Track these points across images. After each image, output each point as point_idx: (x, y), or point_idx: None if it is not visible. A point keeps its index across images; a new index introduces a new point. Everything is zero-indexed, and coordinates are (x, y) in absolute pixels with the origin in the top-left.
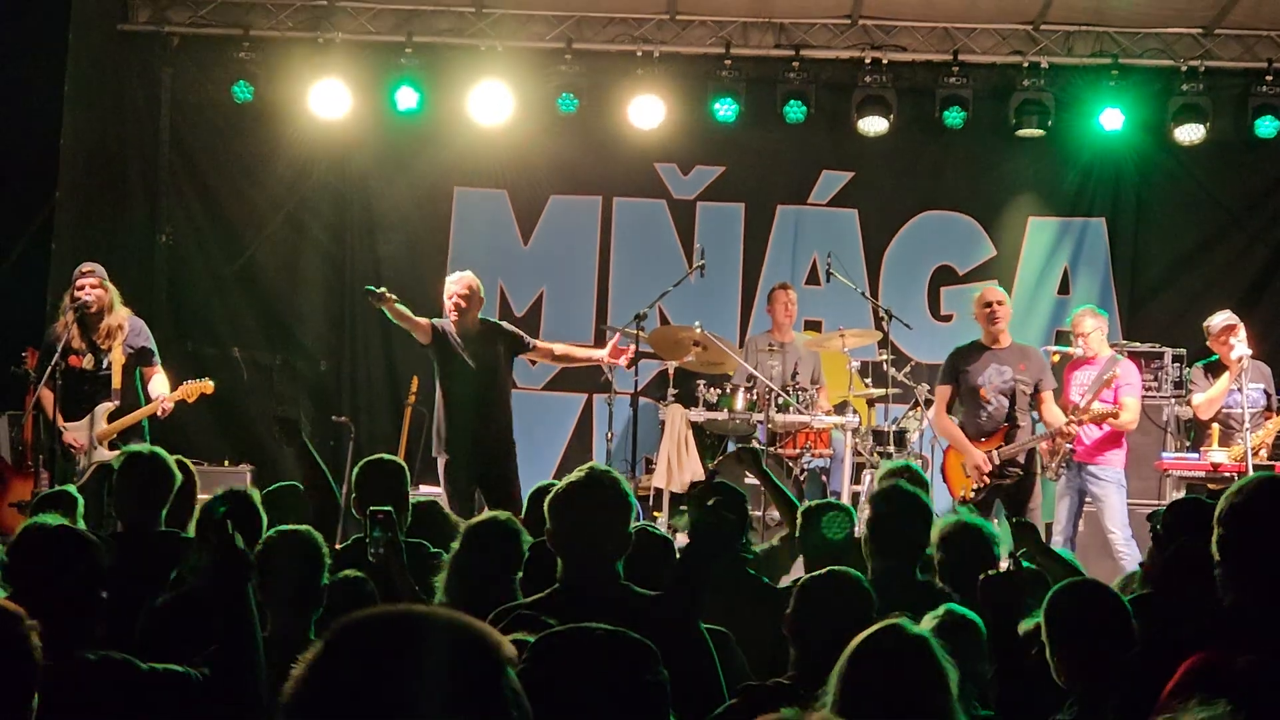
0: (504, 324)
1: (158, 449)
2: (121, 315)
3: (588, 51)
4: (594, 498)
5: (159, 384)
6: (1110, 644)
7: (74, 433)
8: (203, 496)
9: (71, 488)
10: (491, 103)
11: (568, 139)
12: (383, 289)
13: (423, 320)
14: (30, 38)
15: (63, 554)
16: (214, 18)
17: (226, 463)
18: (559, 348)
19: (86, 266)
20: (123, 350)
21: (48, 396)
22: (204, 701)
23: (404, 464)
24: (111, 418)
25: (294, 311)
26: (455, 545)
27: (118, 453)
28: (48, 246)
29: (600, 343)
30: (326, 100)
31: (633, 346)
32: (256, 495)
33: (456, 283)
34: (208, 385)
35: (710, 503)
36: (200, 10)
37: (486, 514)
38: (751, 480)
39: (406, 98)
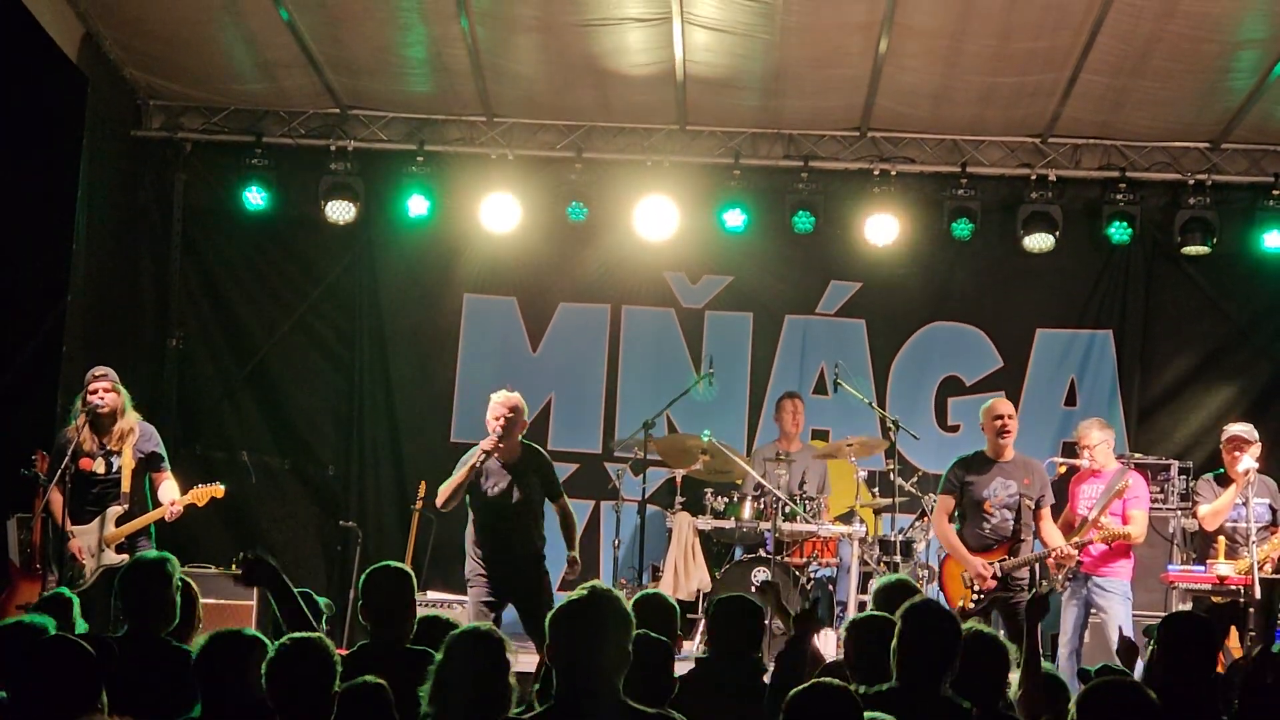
0: (545, 458)
1: (167, 554)
2: (132, 420)
3: (598, 160)
4: (595, 615)
5: (168, 489)
6: None
7: (82, 536)
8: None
9: (65, 589)
10: (501, 210)
11: (577, 247)
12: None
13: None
14: (45, 142)
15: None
16: (227, 124)
17: (234, 566)
18: (563, 524)
19: (99, 370)
20: (133, 454)
21: (57, 499)
22: None
23: (410, 571)
24: (120, 521)
25: (303, 416)
26: (439, 655)
27: (124, 556)
28: (59, 349)
29: (605, 450)
30: (338, 207)
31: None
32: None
33: (502, 404)
34: (218, 489)
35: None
36: (213, 117)
37: (469, 625)
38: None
39: (418, 205)
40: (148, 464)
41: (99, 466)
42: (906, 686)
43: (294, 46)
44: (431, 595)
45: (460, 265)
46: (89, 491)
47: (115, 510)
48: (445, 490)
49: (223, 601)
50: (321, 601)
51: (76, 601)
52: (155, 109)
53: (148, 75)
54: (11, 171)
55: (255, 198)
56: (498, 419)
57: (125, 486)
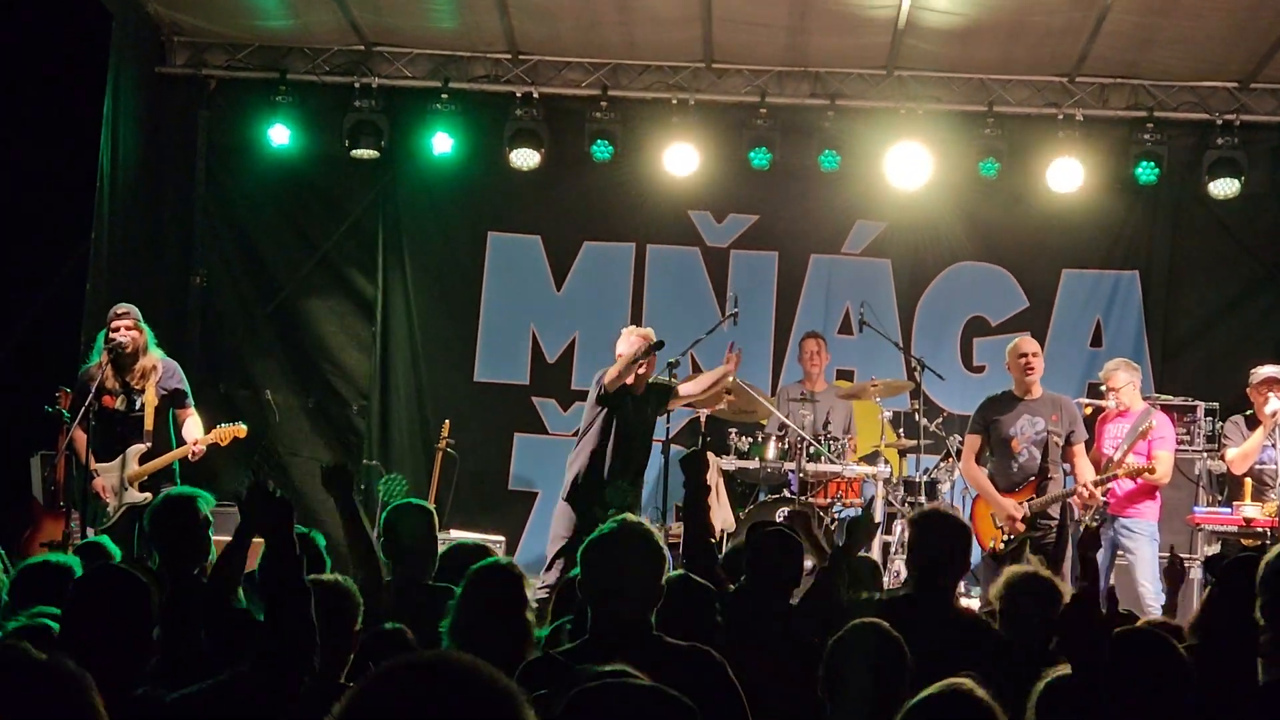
0: (659, 381)
1: (199, 491)
2: (155, 357)
3: (623, 99)
4: (625, 549)
5: (192, 427)
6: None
7: (105, 474)
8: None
9: (105, 539)
10: (527, 148)
11: (602, 185)
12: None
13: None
14: (69, 80)
15: (120, 595)
16: (251, 61)
17: (250, 487)
18: (686, 388)
19: (122, 308)
20: (156, 392)
21: (80, 437)
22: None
23: (433, 509)
24: (143, 460)
25: (327, 354)
26: (458, 590)
27: (148, 495)
28: (82, 287)
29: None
30: (363, 144)
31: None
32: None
33: (645, 336)
34: (240, 429)
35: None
36: (237, 54)
37: (488, 559)
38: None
39: (442, 142)
40: (171, 400)
41: (121, 404)
42: (921, 593)
43: None
44: (454, 534)
45: (484, 203)
46: (112, 429)
47: (138, 448)
48: (616, 370)
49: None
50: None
51: (117, 552)
52: (179, 46)
53: (172, 11)
54: (36, 109)
55: (279, 135)
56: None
57: (148, 424)
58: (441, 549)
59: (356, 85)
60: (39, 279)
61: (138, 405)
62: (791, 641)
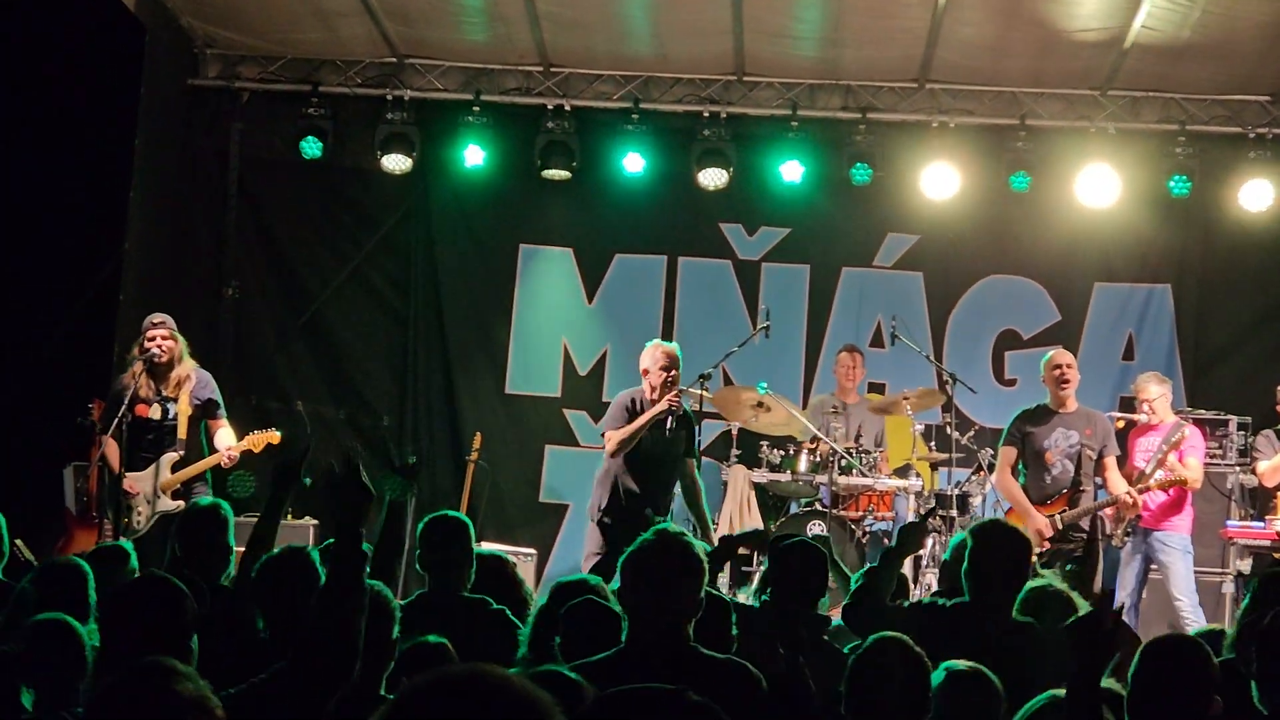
0: (693, 421)
1: (220, 500)
2: (189, 366)
3: (655, 111)
4: (664, 560)
5: (224, 437)
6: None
7: (137, 483)
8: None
9: (126, 542)
10: (560, 161)
11: (633, 197)
12: None
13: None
14: (102, 91)
15: (159, 604)
16: (283, 74)
17: (289, 517)
18: (689, 492)
19: (157, 318)
20: (190, 401)
21: (113, 446)
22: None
23: (467, 519)
24: (176, 468)
25: (358, 366)
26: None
27: (180, 503)
28: (115, 299)
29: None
30: (394, 157)
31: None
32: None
33: (668, 354)
34: (274, 435)
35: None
36: (270, 66)
37: (575, 574)
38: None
39: (474, 155)
40: (204, 411)
41: (155, 413)
42: (977, 603)
43: None
44: (486, 546)
45: (516, 216)
46: (144, 438)
47: (171, 456)
48: (620, 438)
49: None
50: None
51: (133, 552)
52: (212, 58)
53: (205, 24)
54: (69, 121)
55: (312, 147)
56: (668, 370)
57: (181, 433)
58: None
59: (388, 98)
60: (72, 291)
61: (171, 414)
62: (824, 653)
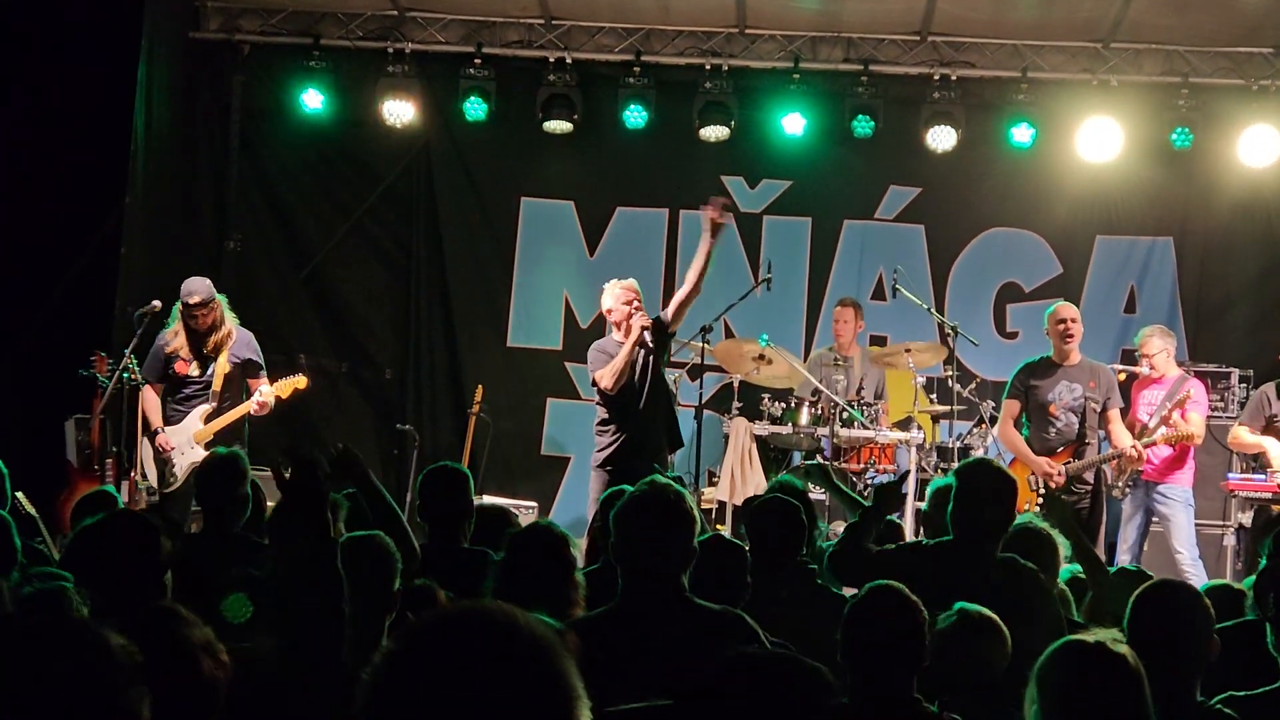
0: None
1: (237, 450)
2: (230, 325)
3: (656, 64)
4: (657, 512)
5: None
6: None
7: (172, 435)
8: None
9: (110, 488)
10: (560, 114)
11: (635, 150)
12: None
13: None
14: (103, 46)
15: (125, 538)
16: (284, 26)
17: (284, 468)
18: (677, 296)
19: (194, 297)
20: (228, 359)
21: (153, 401)
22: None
23: (467, 471)
24: (209, 420)
25: (360, 319)
26: (499, 554)
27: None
28: (117, 252)
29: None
30: (395, 109)
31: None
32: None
33: (628, 289)
34: (300, 381)
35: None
36: (271, 19)
37: (531, 522)
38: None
39: (475, 108)
40: (244, 370)
41: (194, 370)
42: (962, 542)
43: None
44: (488, 499)
45: (517, 169)
46: (180, 392)
47: (203, 408)
48: (613, 369)
49: None
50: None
51: (120, 500)
52: (213, 11)
53: None
54: (70, 74)
55: (313, 100)
56: (630, 304)
57: (216, 386)
58: None
59: (390, 50)
60: (74, 244)
61: (209, 371)
62: (821, 599)
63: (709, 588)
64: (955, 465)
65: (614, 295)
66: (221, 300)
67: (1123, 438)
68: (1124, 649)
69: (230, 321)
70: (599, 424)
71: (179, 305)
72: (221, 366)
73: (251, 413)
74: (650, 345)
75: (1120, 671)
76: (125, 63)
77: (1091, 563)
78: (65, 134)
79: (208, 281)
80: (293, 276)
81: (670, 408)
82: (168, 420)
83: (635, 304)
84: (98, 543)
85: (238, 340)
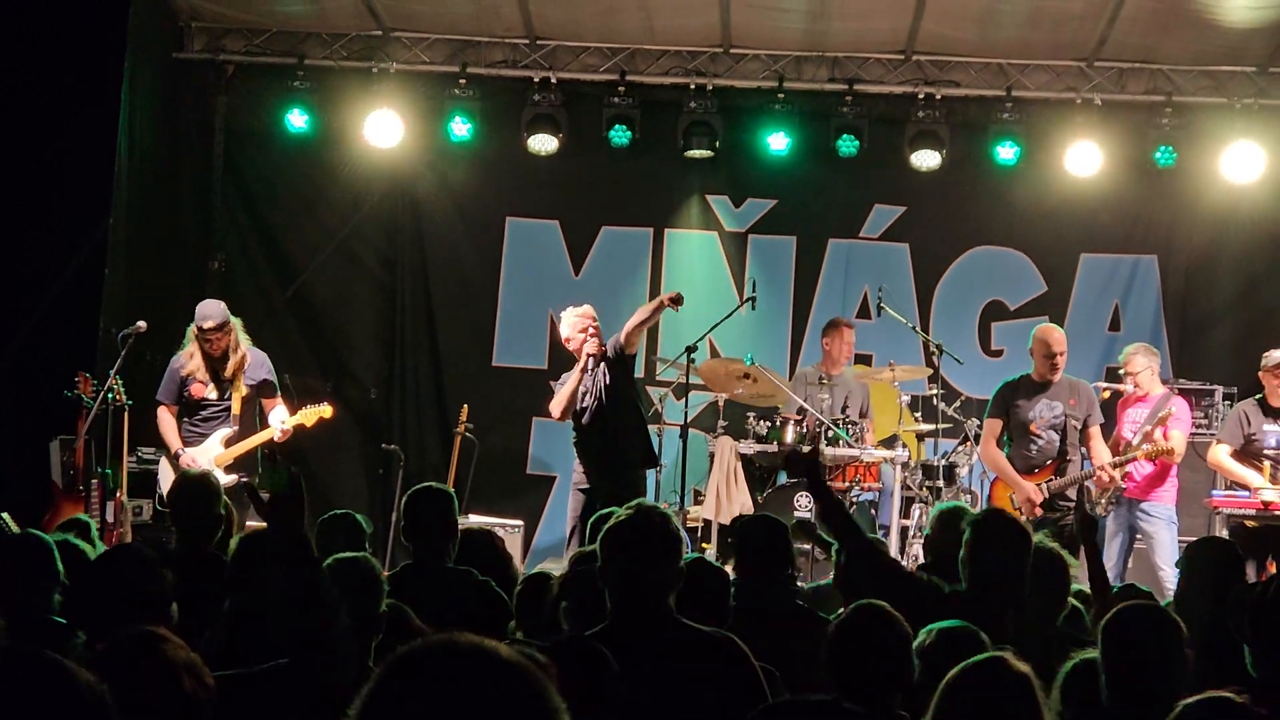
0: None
1: (209, 471)
2: (244, 348)
3: (641, 84)
4: (643, 535)
5: (278, 414)
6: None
7: (195, 459)
8: (253, 524)
9: (83, 515)
10: (545, 133)
11: (620, 170)
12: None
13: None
14: (87, 64)
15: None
16: (269, 46)
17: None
18: (627, 325)
19: (208, 322)
20: (244, 382)
21: (169, 422)
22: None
23: (452, 492)
24: (229, 444)
25: (345, 339)
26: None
27: (234, 478)
28: (101, 272)
29: (650, 373)
30: (380, 129)
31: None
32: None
33: (584, 314)
34: (326, 410)
35: None
36: (255, 39)
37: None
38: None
39: (460, 128)
40: (259, 391)
41: (211, 393)
42: (974, 597)
43: None
44: (473, 519)
45: (502, 188)
46: (197, 414)
47: (224, 432)
48: (561, 401)
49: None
50: (361, 518)
51: (94, 526)
52: (197, 31)
53: None
54: (54, 94)
55: (297, 120)
56: (586, 331)
57: (236, 409)
58: None
59: (374, 70)
60: (57, 264)
61: (227, 395)
62: (800, 620)
63: (691, 611)
64: (940, 485)
65: (570, 324)
66: (236, 323)
67: (1102, 454)
68: (1024, 667)
69: (244, 344)
70: (574, 445)
71: (192, 328)
72: (239, 390)
73: (275, 440)
74: (600, 369)
75: (1012, 685)
76: (109, 83)
77: (1100, 583)
78: (49, 154)
79: (222, 305)
80: (277, 296)
81: (640, 427)
82: (185, 443)
83: (590, 330)
84: (101, 590)
85: (252, 362)
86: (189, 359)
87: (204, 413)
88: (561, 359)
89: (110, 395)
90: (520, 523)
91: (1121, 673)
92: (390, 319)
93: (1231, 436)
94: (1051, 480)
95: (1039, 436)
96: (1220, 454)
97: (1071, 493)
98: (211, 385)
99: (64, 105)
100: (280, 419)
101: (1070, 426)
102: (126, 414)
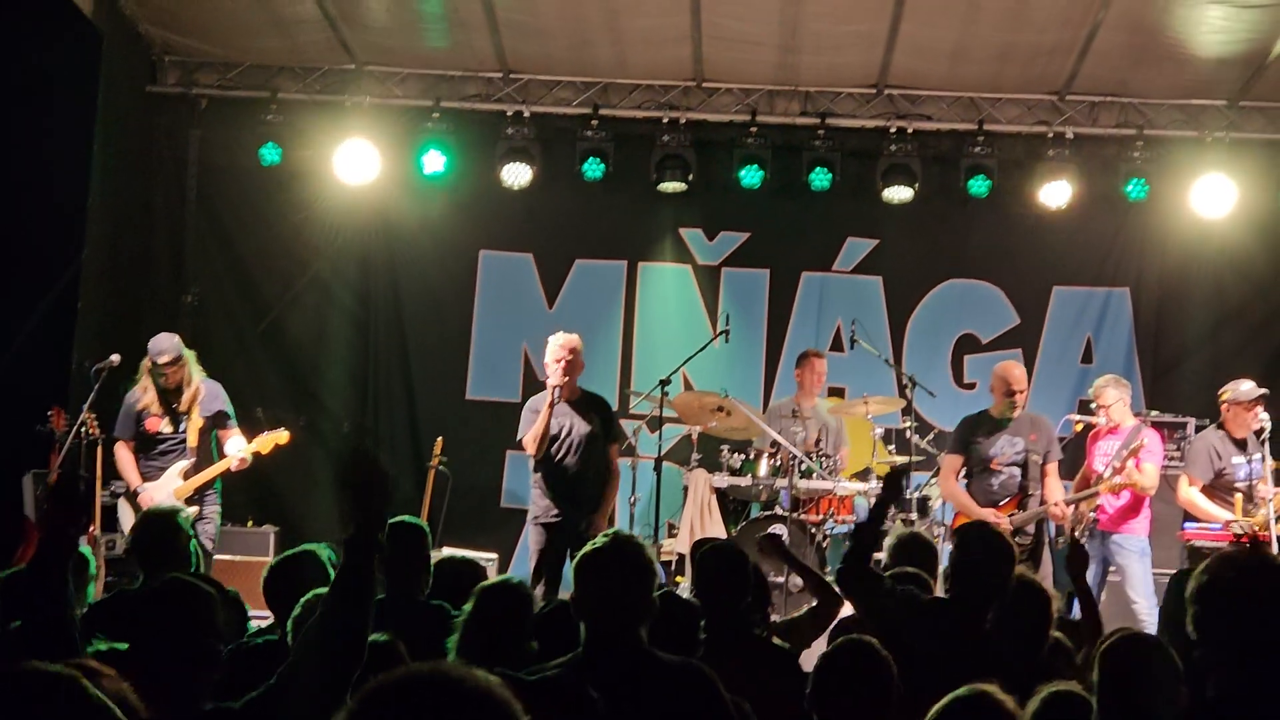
0: (604, 400)
1: (177, 506)
2: (198, 381)
3: (614, 117)
4: (617, 564)
5: (235, 443)
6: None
7: (152, 493)
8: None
9: (87, 550)
10: (518, 167)
11: (593, 203)
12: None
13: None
14: (60, 98)
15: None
16: (242, 81)
17: (250, 523)
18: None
19: (162, 357)
20: (200, 414)
21: (126, 457)
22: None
23: (425, 526)
24: (187, 476)
25: (318, 373)
26: (467, 606)
27: (195, 509)
28: (74, 306)
29: (624, 406)
30: (354, 164)
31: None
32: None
33: (562, 345)
34: (282, 435)
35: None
36: (228, 73)
37: (499, 577)
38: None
39: (433, 161)
40: (214, 422)
41: (165, 426)
42: (956, 608)
43: (309, 1)
44: (446, 552)
45: (476, 222)
46: (155, 450)
47: (182, 465)
48: (532, 438)
49: (239, 558)
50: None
51: (92, 562)
52: (170, 65)
53: (163, 31)
54: (26, 128)
55: (270, 154)
56: (559, 360)
57: (192, 442)
58: None
59: (348, 104)
60: (30, 298)
61: (182, 427)
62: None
63: (662, 643)
64: (914, 518)
65: (549, 351)
66: (190, 355)
67: (1055, 491)
68: (1009, 699)
69: (198, 376)
70: (536, 478)
71: (146, 362)
72: (194, 423)
73: (231, 469)
74: (587, 415)
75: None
76: (82, 117)
77: (1090, 615)
78: (21, 188)
79: (176, 339)
80: (250, 330)
81: (592, 470)
82: (144, 478)
83: (563, 361)
84: (160, 614)
85: (206, 394)
86: (143, 393)
87: (160, 447)
88: (535, 392)
89: (84, 429)
90: (494, 555)
91: (1115, 703)
92: (364, 352)
93: (1202, 472)
94: (1014, 514)
95: (1000, 472)
96: (1192, 493)
97: (1030, 528)
98: (166, 419)
99: (37, 139)
100: (237, 448)
101: (1032, 461)
102: (100, 448)
